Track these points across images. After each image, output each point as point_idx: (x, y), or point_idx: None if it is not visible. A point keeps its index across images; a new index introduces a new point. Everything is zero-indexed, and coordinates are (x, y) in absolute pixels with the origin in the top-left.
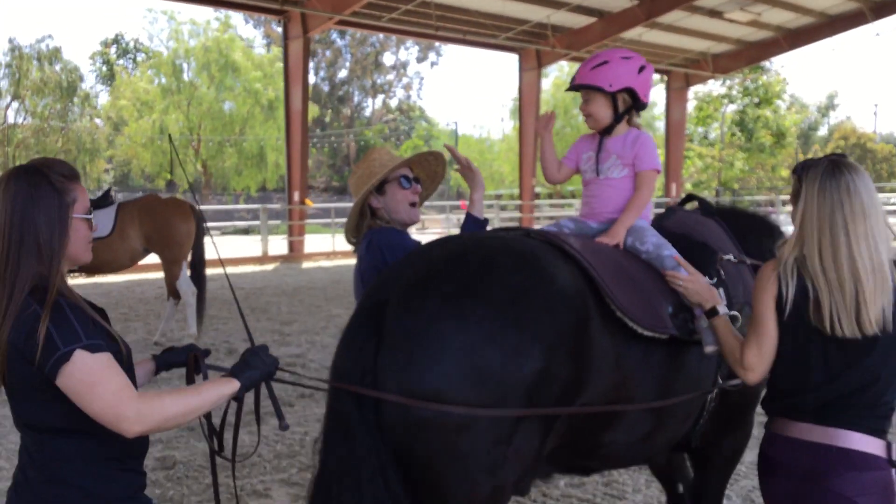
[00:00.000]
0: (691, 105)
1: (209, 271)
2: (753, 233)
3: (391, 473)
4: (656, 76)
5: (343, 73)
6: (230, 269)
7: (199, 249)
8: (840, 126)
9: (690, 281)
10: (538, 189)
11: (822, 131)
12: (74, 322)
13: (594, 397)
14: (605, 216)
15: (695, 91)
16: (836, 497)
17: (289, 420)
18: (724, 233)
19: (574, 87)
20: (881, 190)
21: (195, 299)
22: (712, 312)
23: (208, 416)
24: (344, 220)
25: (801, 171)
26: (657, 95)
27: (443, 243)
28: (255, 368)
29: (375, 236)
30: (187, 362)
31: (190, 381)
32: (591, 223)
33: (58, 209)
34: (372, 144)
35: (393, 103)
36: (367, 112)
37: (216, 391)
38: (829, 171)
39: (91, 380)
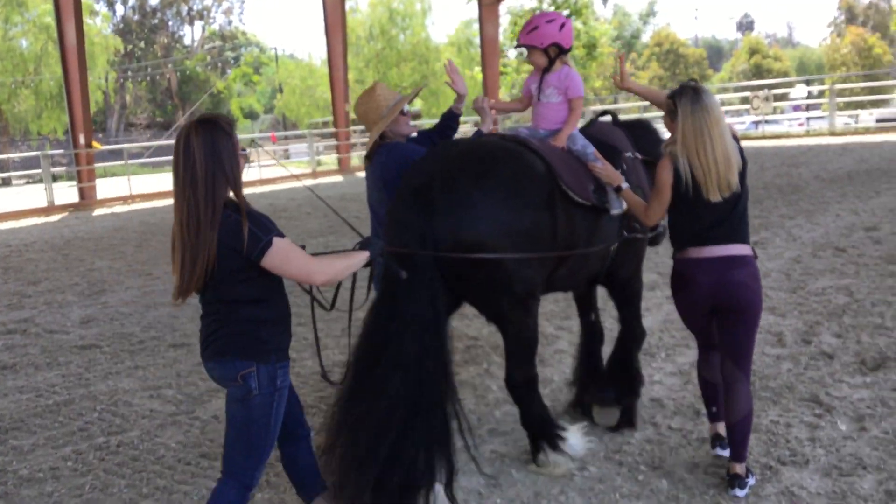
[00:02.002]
0: (506, 21)
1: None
2: (644, 137)
3: (443, 319)
4: None
5: (154, 1)
6: (7, 225)
7: None
8: (656, 33)
9: (604, 168)
10: (328, 117)
11: (646, 38)
12: (262, 220)
13: (558, 244)
14: (548, 127)
15: (508, 7)
16: (738, 283)
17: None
18: (626, 137)
19: (518, 46)
20: None
21: None
22: (619, 188)
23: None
24: (167, 157)
25: (675, 96)
26: (471, 11)
27: (455, 144)
28: (373, 247)
29: (394, 149)
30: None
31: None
32: (540, 131)
33: (232, 147)
34: (196, 75)
35: (210, 30)
36: (187, 41)
37: (358, 258)
38: (694, 95)
39: (286, 255)
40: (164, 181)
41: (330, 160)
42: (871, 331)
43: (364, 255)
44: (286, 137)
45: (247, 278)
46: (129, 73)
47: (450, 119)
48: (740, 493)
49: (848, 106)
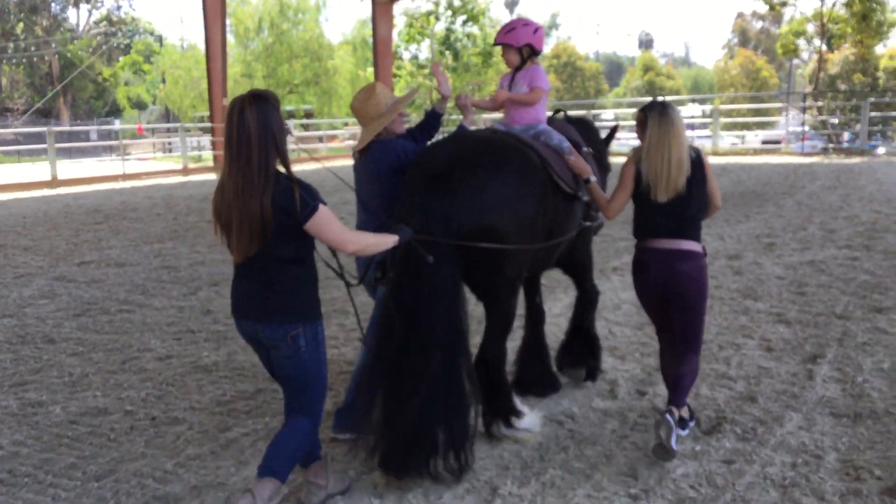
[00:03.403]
0: (401, 23)
1: None
2: (589, 133)
3: (460, 291)
4: None
5: None
6: None
7: None
8: (556, 45)
9: (577, 161)
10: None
11: (547, 50)
12: (310, 188)
13: (543, 230)
14: (520, 122)
15: (404, 8)
16: (683, 273)
17: None
18: (579, 133)
19: (495, 44)
20: (591, 106)
21: None
22: (587, 180)
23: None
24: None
25: (647, 110)
26: (367, 10)
27: (465, 137)
28: (403, 233)
29: (389, 144)
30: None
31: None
32: (514, 126)
33: (280, 121)
34: (80, 60)
35: (99, 14)
36: (72, 25)
37: (388, 239)
38: (662, 109)
39: (328, 221)
40: (35, 171)
41: (209, 156)
42: (712, 381)
43: (394, 238)
44: (168, 130)
45: (294, 238)
46: (5, 54)
47: (433, 118)
48: (682, 432)
49: (735, 126)
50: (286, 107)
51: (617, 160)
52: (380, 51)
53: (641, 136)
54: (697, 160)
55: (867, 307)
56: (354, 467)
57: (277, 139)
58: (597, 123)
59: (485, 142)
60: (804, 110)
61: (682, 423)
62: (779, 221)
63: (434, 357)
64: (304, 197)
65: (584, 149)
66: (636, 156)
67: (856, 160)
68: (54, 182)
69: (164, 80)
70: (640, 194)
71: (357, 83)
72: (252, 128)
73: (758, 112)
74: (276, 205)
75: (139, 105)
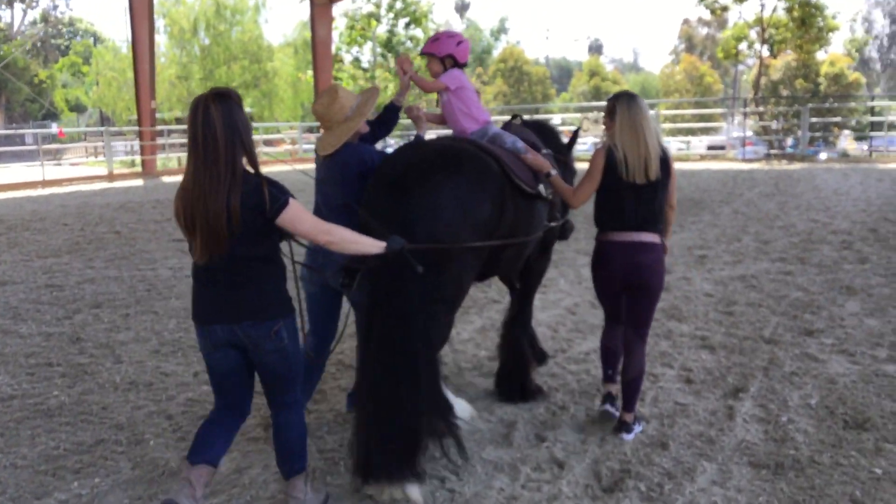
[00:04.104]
0: (343, 24)
1: None
2: (548, 136)
3: (427, 289)
4: None
5: None
6: None
7: None
8: (504, 50)
9: (535, 158)
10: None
11: (495, 54)
12: (277, 183)
13: (503, 232)
14: (454, 128)
15: (344, 10)
16: (645, 265)
17: None
18: (536, 136)
19: (421, 54)
20: (536, 112)
21: None
22: (548, 174)
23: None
24: None
25: (615, 100)
26: (303, 13)
27: (421, 144)
28: (394, 242)
29: (356, 149)
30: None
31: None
32: (455, 133)
33: (244, 117)
34: (14, 62)
35: (36, 14)
36: (7, 24)
37: (370, 243)
38: (629, 98)
39: (299, 214)
40: None
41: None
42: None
43: (379, 245)
44: (101, 134)
45: (262, 237)
46: None
47: (391, 112)
48: (627, 436)
49: (679, 132)
50: None
51: (580, 165)
52: (319, 53)
53: (610, 126)
54: (665, 157)
55: (797, 329)
56: (336, 479)
57: (244, 137)
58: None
59: (441, 148)
60: (745, 116)
61: (625, 426)
62: (713, 231)
63: (405, 357)
64: (273, 192)
65: (543, 150)
66: (606, 144)
67: (796, 166)
68: None
69: (97, 83)
70: (611, 181)
71: (298, 86)
72: (217, 126)
73: (702, 118)
74: (245, 204)
75: (78, 108)
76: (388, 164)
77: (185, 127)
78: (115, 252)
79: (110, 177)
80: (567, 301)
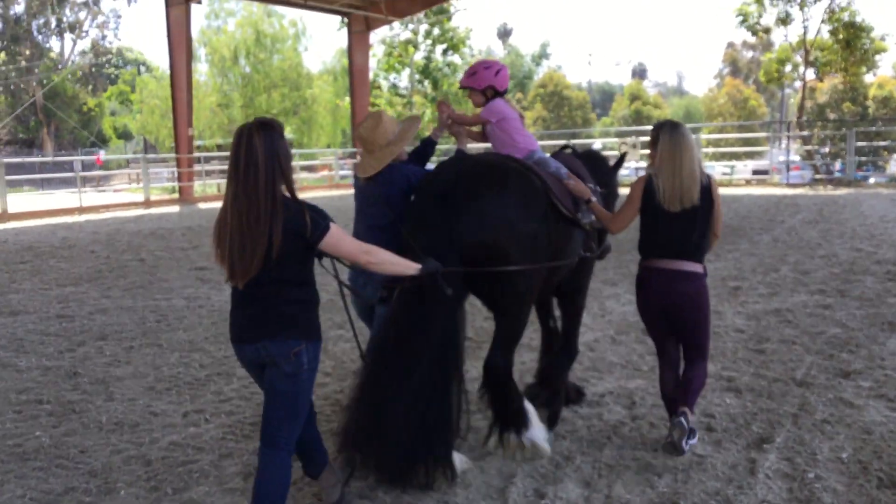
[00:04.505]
0: (380, 51)
1: None
2: (597, 166)
3: (459, 307)
4: (338, 19)
5: (19, 9)
6: None
7: None
8: (544, 75)
9: (577, 184)
10: (202, 141)
11: (536, 79)
12: (318, 209)
13: (542, 253)
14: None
15: (382, 37)
16: (682, 293)
17: None
18: (584, 166)
19: (460, 87)
20: (575, 136)
21: None
22: (588, 201)
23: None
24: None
25: (658, 129)
26: (342, 40)
27: (467, 158)
28: (429, 265)
29: (398, 169)
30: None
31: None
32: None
33: (285, 147)
34: (64, 90)
35: (86, 44)
36: (56, 54)
37: (406, 265)
38: (672, 127)
39: (341, 237)
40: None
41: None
42: (633, 475)
43: (416, 266)
44: (149, 161)
45: (301, 261)
46: None
47: (428, 145)
48: (686, 445)
49: (724, 157)
50: None
51: (623, 191)
52: (356, 80)
53: (653, 154)
54: (708, 185)
55: (833, 371)
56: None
57: (283, 166)
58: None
59: (487, 164)
60: (790, 139)
61: (690, 432)
62: (750, 261)
63: (424, 368)
64: (314, 218)
65: (590, 184)
66: (647, 172)
67: (842, 191)
68: (3, 216)
69: (140, 111)
70: (650, 209)
71: (337, 112)
72: (259, 154)
73: (746, 142)
74: (286, 230)
75: (125, 136)
76: (435, 177)
77: (225, 154)
78: (134, 280)
79: (147, 203)
80: (587, 336)
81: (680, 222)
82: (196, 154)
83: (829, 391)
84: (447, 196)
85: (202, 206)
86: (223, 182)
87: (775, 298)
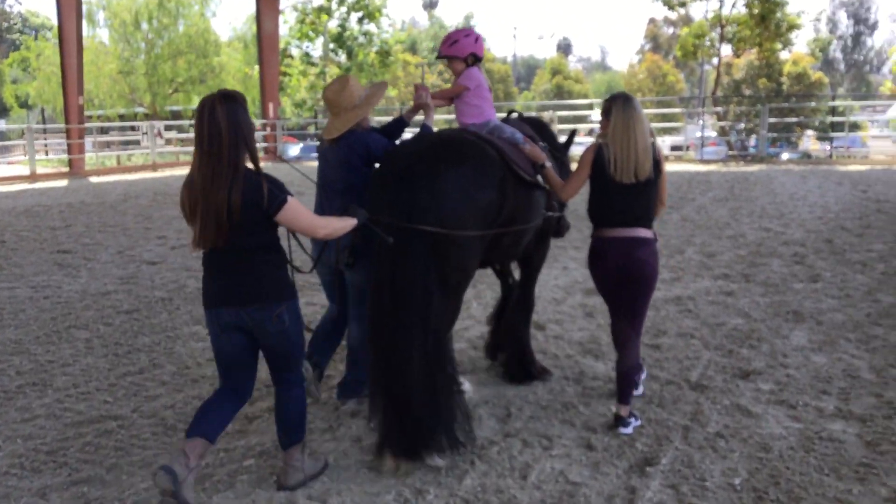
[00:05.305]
0: (293, 18)
1: None
2: (542, 130)
3: (432, 271)
4: None
5: None
6: None
7: None
8: None
9: (532, 149)
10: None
11: None
12: (277, 182)
13: (504, 218)
14: (464, 121)
15: (294, 3)
16: (640, 259)
17: None
18: (533, 130)
19: (439, 57)
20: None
21: None
22: (542, 166)
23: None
24: None
25: (611, 100)
26: (253, 6)
27: (426, 136)
28: (358, 215)
29: (361, 136)
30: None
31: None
32: (467, 124)
33: (248, 119)
34: None
35: None
36: None
37: (350, 221)
38: (625, 100)
39: (298, 210)
40: None
41: (64, 160)
42: None
43: (352, 221)
44: (45, 131)
45: (262, 229)
46: None
47: (398, 124)
48: (625, 430)
49: None
50: (171, 107)
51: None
52: (265, 47)
53: (606, 125)
54: (655, 157)
55: (731, 370)
56: (334, 449)
57: (247, 137)
58: None
59: (444, 139)
60: (706, 115)
61: (622, 420)
62: None
63: (413, 339)
64: (272, 190)
65: (540, 143)
66: (597, 141)
67: (755, 168)
68: None
69: (35, 78)
70: (602, 179)
71: (247, 82)
72: (223, 125)
73: (664, 117)
74: (245, 199)
75: (27, 105)
76: (394, 156)
77: (126, 124)
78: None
79: (33, 177)
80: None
81: (633, 192)
82: (94, 124)
83: (726, 396)
84: (405, 173)
85: (94, 179)
86: (123, 154)
87: (677, 284)
